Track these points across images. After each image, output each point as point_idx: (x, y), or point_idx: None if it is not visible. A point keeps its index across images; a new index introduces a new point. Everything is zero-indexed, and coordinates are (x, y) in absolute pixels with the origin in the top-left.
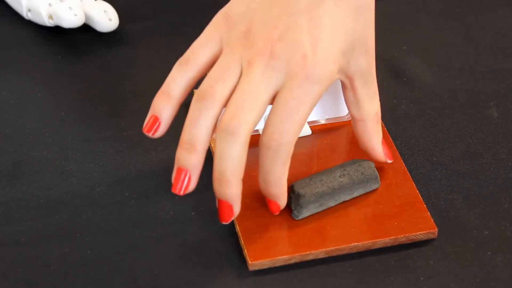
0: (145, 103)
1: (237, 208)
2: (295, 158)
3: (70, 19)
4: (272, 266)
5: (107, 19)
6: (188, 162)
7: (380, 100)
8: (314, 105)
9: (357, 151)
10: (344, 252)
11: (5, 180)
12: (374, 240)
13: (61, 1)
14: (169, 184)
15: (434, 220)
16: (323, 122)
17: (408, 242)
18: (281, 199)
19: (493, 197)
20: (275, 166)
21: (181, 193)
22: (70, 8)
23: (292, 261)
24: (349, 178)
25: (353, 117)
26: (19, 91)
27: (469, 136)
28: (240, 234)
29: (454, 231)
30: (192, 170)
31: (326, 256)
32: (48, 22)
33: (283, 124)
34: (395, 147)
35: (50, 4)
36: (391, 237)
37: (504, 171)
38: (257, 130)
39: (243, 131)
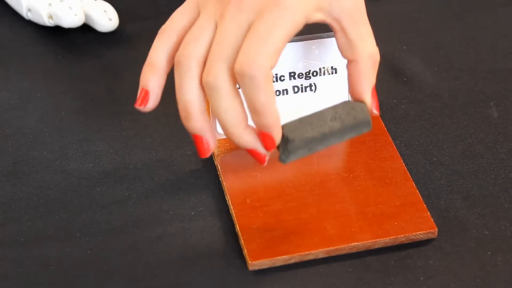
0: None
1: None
2: None
3: (70, 19)
4: (272, 266)
5: (107, 19)
6: (193, 127)
7: (380, 100)
8: (289, 33)
9: (357, 151)
10: (344, 252)
11: (5, 180)
12: (374, 240)
13: (61, 1)
14: (169, 184)
15: (434, 220)
16: None
17: (408, 242)
18: (275, 129)
19: (493, 197)
20: (257, 93)
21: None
22: (70, 8)
23: (292, 261)
24: (340, 122)
25: (346, 58)
26: (19, 91)
27: (469, 136)
28: (240, 234)
29: (454, 231)
30: (199, 133)
31: (326, 256)
32: (48, 22)
33: (255, 48)
34: (395, 147)
35: (50, 4)
36: (391, 237)
37: (504, 171)
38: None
39: (220, 82)
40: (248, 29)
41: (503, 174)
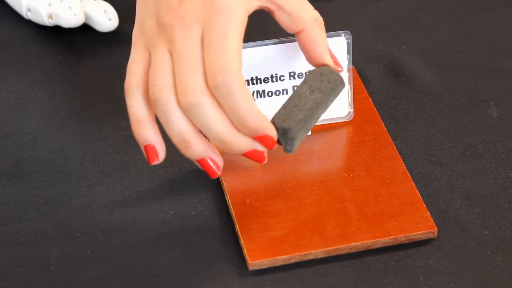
0: None
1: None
2: (295, 158)
3: (70, 19)
4: (271, 265)
5: (107, 19)
6: (196, 154)
7: (380, 100)
8: (240, 32)
9: (357, 151)
10: (344, 251)
11: (5, 180)
12: (374, 240)
13: (61, 1)
14: (169, 184)
15: (434, 220)
16: (322, 122)
17: (407, 241)
18: (266, 129)
19: (493, 197)
20: (237, 99)
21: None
22: (69, 8)
23: (292, 261)
24: (319, 91)
25: (294, 33)
26: (19, 91)
27: (469, 136)
28: (240, 234)
29: (454, 231)
30: (203, 157)
31: (326, 255)
32: (48, 22)
33: (219, 58)
34: (395, 147)
35: (50, 4)
36: (391, 237)
37: (504, 171)
38: None
39: (200, 97)
40: (201, 41)
41: (503, 174)
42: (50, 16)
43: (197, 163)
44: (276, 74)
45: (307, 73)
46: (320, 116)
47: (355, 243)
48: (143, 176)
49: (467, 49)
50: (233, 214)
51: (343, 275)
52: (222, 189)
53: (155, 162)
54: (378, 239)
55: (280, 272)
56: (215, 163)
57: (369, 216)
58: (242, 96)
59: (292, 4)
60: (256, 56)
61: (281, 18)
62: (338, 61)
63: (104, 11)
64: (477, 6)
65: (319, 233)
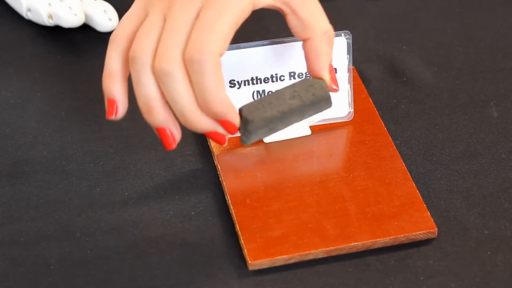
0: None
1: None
2: (295, 158)
3: (70, 19)
4: (271, 265)
5: (107, 19)
6: (156, 121)
7: (380, 100)
8: (236, 19)
9: (357, 150)
10: (344, 251)
11: (5, 180)
12: (374, 240)
13: (61, 1)
14: (169, 184)
15: (434, 220)
16: (322, 122)
17: (408, 241)
18: (228, 115)
19: (493, 197)
20: (206, 79)
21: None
22: (70, 8)
23: (292, 261)
24: (299, 100)
25: (301, 38)
26: (19, 91)
27: (469, 136)
28: (240, 234)
29: (454, 231)
30: (163, 127)
31: (326, 255)
32: (48, 22)
33: (203, 34)
34: (395, 147)
35: (50, 4)
36: (391, 237)
37: (504, 171)
38: None
39: (173, 67)
40: (196, 16)
41: (503, 174)
42: (50, 16)
43: (155, 131)
44: (276, 74)
45: (308, 77)
46: (292, 123)
47: (355, 243)
48: (143, 176)
49: (467, 49)
50: (233, 214)
51: (343, 275)
52: (222, 189)
53: (112, 117)
54: (378, 239)
55: (280, 272)
56: (173, 135)
57: (369, 216)
58: (212, 77)
59: (306, 11)
60: (256, 56)
61: (292, 23)
62: (336, 79)
63: (104, 11)
64: (477, 6)
65: (319, 233)
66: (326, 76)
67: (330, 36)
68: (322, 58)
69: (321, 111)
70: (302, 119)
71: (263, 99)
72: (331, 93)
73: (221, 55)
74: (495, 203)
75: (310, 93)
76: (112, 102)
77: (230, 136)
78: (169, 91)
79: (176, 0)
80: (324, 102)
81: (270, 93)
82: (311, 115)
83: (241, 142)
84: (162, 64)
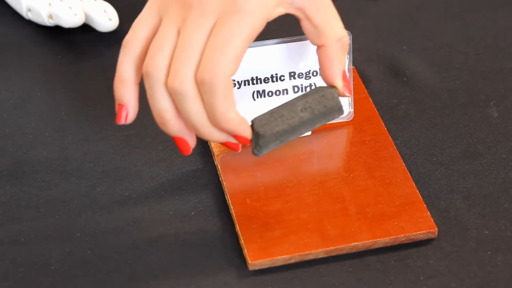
0: (145, 103)
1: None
2: (295, 158)
3: (70, 19)
4: (272, 265)
5: (107, 19)
6: (171, 131)
7: (380, 100)
8: (249, 38)
9: (357, 150)
10: (344, 251)
11: (5, 180)
12: (374, 240)
13: (61, 1)
14: (169, 184)
15: (434, 220)
16: None
17: (408, 241)
18: (239, 132)
19: (493, 197)
20: (217, 101)
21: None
22: (70, 8)
23: (292, 261)
24: (310, 112)
25: (315, 44)
26: (19, 91)
27: (469, 136)
28: (240, 234)
29: (454, 231)
30: (178, 135)
31: (326, 256)
32: (48, 22)
33: (215, 57)
34: (395, 147)
35: (50, 4)
36: (391, 237)
37: (504, 171)
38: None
39: (186, 87)
40: (210, 32)
41: (503, 174)
42: (50, 16)
43: (172, 138)
44: (276, 74)
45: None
46: (303, 133)
47: (355, 243)
48: (143, 176)
49: (467, 49)
50: (233, 214)
51: (343, 275)
52: (222, 189)
53: (122, 122)
54: (378, 239)
55: (280, 272)
56: (188, 143)
57: (369, 216)
58: (222, 100)
59: (320, 18)
60: (256, 56)
61: (306, 29)
62: (350, 86)
63: (104, 11)
64: (477, 6)
65: (319, 233)
66: (339, 84)
67: (344, 43)
68: (335, 66)
69: (332, 119)
70: (313, 128)
71: (275, 111)
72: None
73: (231, 75)
74: (495, 203)
75: (322, 105)
76: (122, 107)
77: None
78: (182, 108)
79: (192, 13)
80: (335, 111)
81: (282, 104)
82: (322, 124)
83: (253, 154)
84: (175, 83)
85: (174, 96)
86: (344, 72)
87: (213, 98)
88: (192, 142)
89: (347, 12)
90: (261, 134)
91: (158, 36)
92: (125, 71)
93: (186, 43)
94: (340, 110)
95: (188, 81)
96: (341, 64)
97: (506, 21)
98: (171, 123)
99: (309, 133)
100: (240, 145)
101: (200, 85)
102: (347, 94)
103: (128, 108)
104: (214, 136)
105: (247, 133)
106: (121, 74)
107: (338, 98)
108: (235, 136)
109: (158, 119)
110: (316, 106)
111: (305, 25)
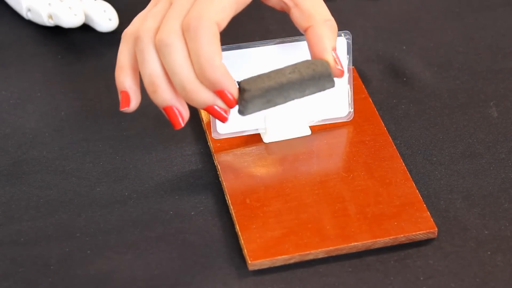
0: (145, 103)
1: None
2: (295, 158)
3: (70, 19)
4: (271, 265)
5: (107, 19)
6: (162, 99)
7: (380, 100)
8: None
9: (357, 150)
10: (344, 251)
11: (5, 180)
12: (374, 240)
13: (61, 1)
14: (169, 184)
15: (434, 220)
16: (322, 122)
17: (408, 241)
18: (225, 84)
19: (493, 197)
20: (201, 45)
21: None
22: (69, 8)
23: (292, 261)
24: (299, 74)
25: (303, 29)
26: (19, 91)
27: (468, 136)
28: (240, 234)
29: (454, 231)
30: (169, 105)
31: (326, 255)
32: (48, 22)
33: (201, 4)
34: (395, 147)
35: (49, 4)
36: (391, 237)
37: (504, 171)
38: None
39: (172, 38)
40: None
41: (503, 174)
42: (50, 16)
43: (163, 111)
44: None
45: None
46: (292, 98)
47: (355, 243)
48: (143, 176)
49: (467, 49)
50: (233, 214)
51: (343, 275)
52: (222, 189)
53: (125, 109)
54: (378, 239)
55: (280, 272)
56: (180, 113)
57: (369, 216)
58: (207, 45)
59: (307, 3)
60: (256, 56)
61: (295, 15)
62: (340, 61)
63: (104, 11)
64: (477, 6)
65: (319, 233)
66: (329, 57)
67: (332, 25)
68: (324, 41)
69: (323, 89)
70: (302, 95)
71: (262, 74)
72: (336, 79)
73: (219, 26)
74: (495, 203)
75: (311, 69)
76: (126, 94)
77: (226, 108)
78: (169, 62)
79: None
80: (325, 79)
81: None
82: (313, 92)
83: (239, 113)
84: (162, 35)
85: (161, 51)
86: (334, 49)
87: (198, 43)
88: (184, 113)
89: (347, 12)
90: (247, 88)
91: (152, 10)
92: (125, 58)
93: (175, 5)
94: (330, 78)
95: (174, 31)
96: (330, 41)
97: (505, 21)
98: (162, 89)
99: (309, 133)
100: (228, 113)
101: (186, 33)
102: (339, 67)
103: (130, 93)
104: (200, 95)
105: (233, 88)
106: (121, 62)
107: (328, 66)
108: (220, 93)
109: (149, 88)
110: (305, 70)
111: (294, 12)
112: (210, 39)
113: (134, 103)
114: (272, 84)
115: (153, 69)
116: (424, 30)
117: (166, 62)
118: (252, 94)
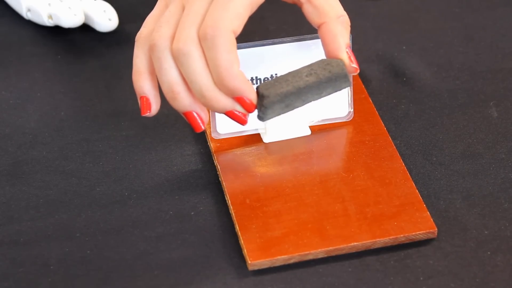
0: None
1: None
2: (295, 158)
3: (70, 19)
4: (271, 266)
5: (106, 19)
6: (182, 106)
7: (380, 100)
8: (250, 1)
9: (356, 150)
10: (344, 252)
11: (5, 180)
12: (374, 240)
13: (61, 1)
14: (169, 184)
15: (433, 220)
16: (322, 122)
17: (407, 242)
18: (244, 91)
19: (493, 197)
20: (219, 55)
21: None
22: (69, 8)
23: (292, 261)
24: (316, 77)
25: (316, 25)
26: (19, 91)
27: (468, 136)
28: (239, 234)
29: (453, 231)
30: (189, 111)
31: (326, 256)
32: (48, 22)
33: (216, 12)
34: (395, 147)
35: (49, 4)
36: (391, 237)
37: (504, 171)
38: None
39: (190, 47)
40: (212, 1)
41: (503, 174)
42: (50, 16)
43: (183, 116)
44: (276, 74)
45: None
46: (310, 100)
47: (355, 243)
48: (143, 176)
49: (467, 49)
50: (233, 214)
51: (343, 275)
52: (222, 189)
53: (147, 114)
54: (378, 239)
55: (280, 272)
56: (200, 117)
57: (369, 216)
58: (225, 53)
59: (320, 0)
60: (256, 56)
61: (307, 11)
62: (354, 58)
63: (104, 11)
64: (477, 6)
65: (319, 233)
66: (344, 55)
67: (345, 21)
68: (338, 39)
69: (340, 89)
70: (319, 97)
71: (280, 77)
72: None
73: (235, 34)
74: (495, 203)
75: (327, 71)
76: (146, 99)
77: (245, 112)
78: (187, 71)
79: None
80: (341, 79)
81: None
82: (329, 93)
83: (258, 119)
84: (178, 44)
85: (179, 60)
86: (348, 45)
87: (216, 52)
88: (204, 116)
89: (347, 12)
90: (266, 94)
91: (164, 14)
92: (141, 62)
93: (189, 11)
94: (346, 78)
95: (191, 40)
96: (344, 38)
97: (505, 21)
98: (181, 96)
99: (309, 133)
100: (247, 117)
101: (203, 42)
102: (354, 66)
103: (150, 98)
104: (219, 101)
105: (252, 95)
106: (138, 67)
107: (343, 66)
108: (240, 99)
109: (168, 95)
110: (321, 71)
111: (307, 8)
112: (227, 48)
113: (155, 107)
114: (290, 89)
115: (171, 77)
116: (424, 30)
117: (185, 71)
118: (271, 100)
